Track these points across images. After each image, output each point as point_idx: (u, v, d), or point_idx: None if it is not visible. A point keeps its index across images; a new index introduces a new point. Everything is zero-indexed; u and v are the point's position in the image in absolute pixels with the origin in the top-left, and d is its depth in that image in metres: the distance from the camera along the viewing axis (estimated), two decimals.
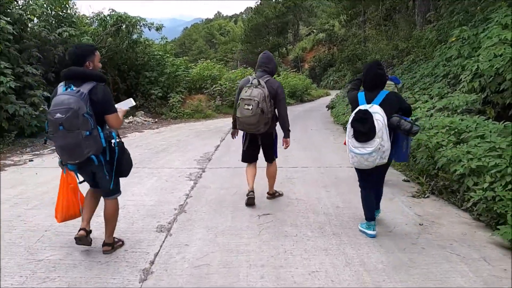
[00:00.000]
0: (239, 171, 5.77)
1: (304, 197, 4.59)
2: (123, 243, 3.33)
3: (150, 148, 7.97)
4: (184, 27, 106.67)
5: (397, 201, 4.36)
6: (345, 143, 3.42)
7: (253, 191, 4.33)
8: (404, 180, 5.16)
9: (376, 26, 36.53)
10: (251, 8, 73.53)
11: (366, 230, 3.48)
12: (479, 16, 8.65)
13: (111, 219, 3.15)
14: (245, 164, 4.59)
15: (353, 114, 3.20)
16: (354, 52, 40.15)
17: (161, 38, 16.62)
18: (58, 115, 2.65)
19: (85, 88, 2.77)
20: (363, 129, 3.07)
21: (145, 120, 13.18)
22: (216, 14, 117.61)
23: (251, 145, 4.43)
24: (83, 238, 3.03)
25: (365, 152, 3.09)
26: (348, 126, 3.24)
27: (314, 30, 56.48)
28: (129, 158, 3.17)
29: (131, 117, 13.43)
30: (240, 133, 4.50)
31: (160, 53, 15.70)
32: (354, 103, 3.39)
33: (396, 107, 3.26)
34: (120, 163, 3.04)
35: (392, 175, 5.43)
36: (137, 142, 8.79)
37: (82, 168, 2.99)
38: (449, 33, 10.17)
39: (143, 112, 14.00)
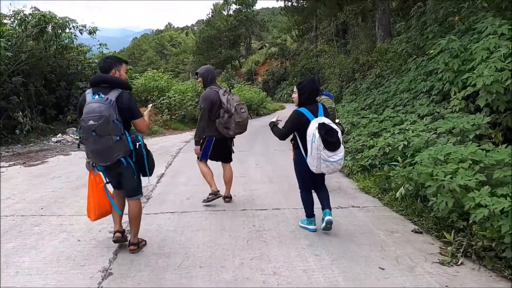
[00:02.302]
0: (189, 218, 4.14)
1: (285, 272, 3.04)
2: (145, 243, 3.54)
3: (71, 180, 6.08)
4: (133, 38, 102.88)
5: (422, 274, 2.95)
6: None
7: (219, 191, 4.73)
8: (415, 232, 3.81)
9: (328, 41, 36.68)
10: (203, 20, 72.39)
11: (307, 226, 3.87)
12: (460, 26, 7.77)
13: (136, 219, 3.36)
14: (195, 207, 4.63)
15: (316, 129, 3.40)
16: (307, 66, 40.21)
17: (100, 45, 14.56)
18: (91, 122, 2.90)
19: (112, 95, 3.00)
20: (333, 139, 3.41)
21: (76, 139, 11.07)
22: (167, 25, 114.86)
23: (220, 148, 4.69)
24: (120, 239, 3.41)
25: (338, 158, 3.48)
26: (317, 139, 3.38)
27: (267, 44, 56.35)
28: (152, 158, 3.42)
29: (59, 135, 11.26)
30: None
31: (97, 61, 13.63)
32: (303, 118, 3.58)
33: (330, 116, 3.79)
34: (146, 163, 3.27)
35: (395, 221, 4.09)
36: (56, 171, 6.81)
37: (111, 169, 3.22)
38: (422, 45, 9.35)
39: (75, 129, 11.84)
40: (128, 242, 3.39)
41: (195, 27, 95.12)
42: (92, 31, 11.86)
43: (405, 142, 5.20)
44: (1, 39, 9.14)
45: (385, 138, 5.74)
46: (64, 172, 6.63)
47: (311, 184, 3.85)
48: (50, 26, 10.80)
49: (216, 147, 4.62)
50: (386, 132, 6.18)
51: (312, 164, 3.50)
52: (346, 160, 6.16)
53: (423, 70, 8.06)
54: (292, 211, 4.46)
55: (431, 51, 8.18)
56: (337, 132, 3.45)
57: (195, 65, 55.46)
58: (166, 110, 14.96)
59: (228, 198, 4.81)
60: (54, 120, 12.42)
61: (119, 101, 3.01)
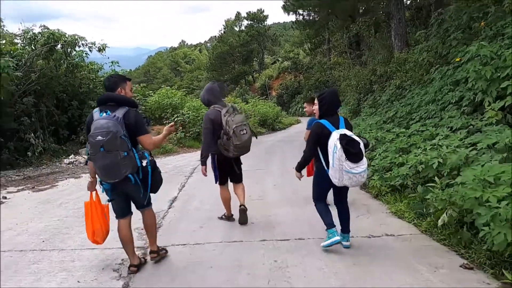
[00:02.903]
0: (202, 253, 3.68)
1: None
2: (167, 251, 3.71)
3: (78, 207, 5.70)
4: (148, 56, 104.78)
5: None
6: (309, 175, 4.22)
7: (233, 215, 4.77)
8: (464, 267, 3.26)
9: (341, 53, 36.30)
10: (215, 37, 73.10)
11: (331, 241, 3.61)
12: (487, 32, 7.25)
13: (151, 227, 3.49)
14: (209, 238, 4.21)
15: (337, 140, 3.34)
16: (321, 79, 39.87)
17: (112, 63, 14.46)
18: (99, 137, 2.93)
19: (120, 113, 3.09)
20: (355, 150, 3.32)
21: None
22: (180, 42, 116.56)
23: (227, 170, 4.60)
24: (137, 270, 3.35)
25: (361, 170, 3.37)
26: (338, 150, 3.32)
27: (279, 59, 56.37)
28: (159, 175, 3.44)
29: (72, 156, 11.03)
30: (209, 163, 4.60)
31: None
32: (324, 130, 3.50)
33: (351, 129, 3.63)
34: (152, 180, 3.30)
35: (439, 253, 3.54)
36: (64, 197, 6.47)
37: (117, 187, 3.22)
38: (444, 54, 8.82)
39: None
40: (149, 251, 3.49)
41: (208, 44, 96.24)
42: (102, 48, 11.69)
43: (440, 159, 4.66)
44: (11, 60, 8.96)
45: (416, 155, 5.21)
46: (72, 198, 6.27)
47: (334, 194, 3.85)
48: (59, 45, 10.65)
49: (221, 166, 4.53)
50: (416, 148, 5.65)
51: (334, 176, 3.43)
52: (374, 179, 5.64)
53: (449, 80, 7.51)
54: (317, 241, 3.95)
55: (456, 59, 7.68)
56: (359, 143, 3.39)
57: (209, 81, 55.68)
58: (181, 127, 14.68)
59: (243, 206, 4.59)
60: (67, 140, 12.24)
61: (126, 118, 3.09)
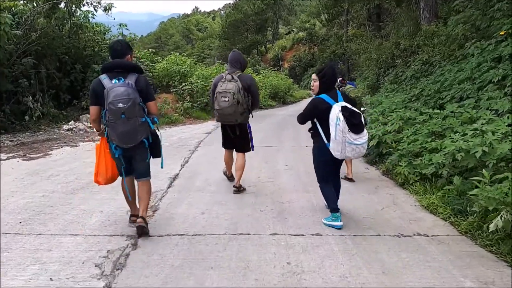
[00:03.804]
0: (202, 246, 3.10)
1: None
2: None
3: (68, 180, 5.15)
4: (161, 22, 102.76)
5: None
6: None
7: (232, 175, 4.97)
8: None
9: (360, 26, 34.69)
10: (230, 4, 70.95)
11: (333, 223, 3.58)
12: None
13: (146, 197, 3.43)
14: (211, 228, 3.69)
15: (339, 112, 3.35)
16: (337, 52, 38.42)
17: (120, 25, 13.67)
18: (121, 104, 2.99)
19: (131, 79, 3.12)
20: (357, 121, 3.37)
21: (90, 127, 10.26)
22: (193, 9, 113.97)
23: (227, 135, 4.74)
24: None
25: (363, 141, 3.42)
26: (341, 122, 3.32)
27: (294, 29, 54.57)
28: (160, 141, 3.49)
29: (72, 122, 10.47)
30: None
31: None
32: (324, 104, 3.50)
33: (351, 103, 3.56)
34: (156, 145, 3.41)
35: (486, 263, 2.90)
36: (55, 168, 5.91)
37: (128, 152, 3.27)
38: (485, 26, 7.89)
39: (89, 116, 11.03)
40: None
41: (222, 11, 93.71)
42: (108, 8, 10.87)
43: (485, 148, 3.96)
44: (9, 16, 8.25)
45: (453, 140, 4.51)
46: (63, 170, 5.72)
47: (331, 174, 3.79)
48: (62, 3, 9.87)
49: (223, 133, 4.79)
50: (451, 132, 4.94)
51: (336, 149, 3.44)
52: (400, 166, 4.96)
53: (490, 56, 6.67)
54: (338, 239, 3.35)
55: (501, 33, 6.80)
56: (360, 114, 3.45)
57: (220, 50, 54.46)
58: (188, 97, 13.98)
59: (235, 188, 4.67)
60: (69, 105, 11.65)
61: (137, 84, 3.14)
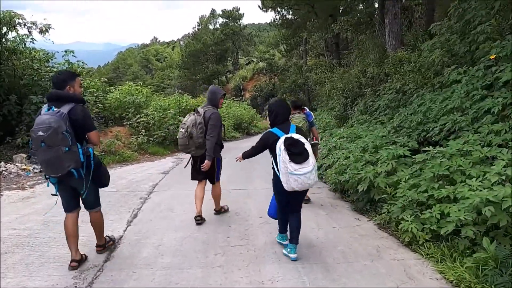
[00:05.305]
0: None
1: None
2: (114, 242, 3.92)
3: None
4: (119, 52, 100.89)
5: None
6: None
7: (200, 216, 4.73)
8: None
9: (318, 56, 35.11)
10: (189, 34, 70.61)
11: (281, 241, 3.98)
12: None
13: (98, 227, 3.65)
14: None
15: (282, 142, 3.39)
16: (297, 82, 38.57)
17: (66, 52, 12.26)
18: (40, 133, 3.03)
19: (65, 108, 3.14)
20: (298, 150, 3.36)
21: (24, 169, 8.63)
22: (152, 39, 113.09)
23: (193, 165, 4.83)
24: (77, 266, 3.43)
25: (307, 171, 3.32)
26: (282, 152, 3.35)
27: (254, 59, 54.89)
28: (105, 169, 3.64)
29: (1, 163, 8.81)
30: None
31: (59, 69, 11.29)
32: (273, 136, 3.58)
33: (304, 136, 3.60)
34: (98, 175, 3.46)
35: None
36: None
37: (63, 182, 3.32)
38: (465, 50, 7.36)
39: (24, 156, 9.40)
40: (95, 245, 3.66)
41: (181, 42, 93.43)
42: (45, 30, 9.49)
43: None
44: None
45: (471, 188, 3.60)
46: None
47: (291, 204, 3.75)
48: None
49: (192, 163, 4.88)
50: (462, 175, 4.05)
51: (283, 180, 3.42)
52: (406, 221, 3.97)
53: (479, 83, 6.04)
54: None
55: (491, 56, 6.21)
56: (303, 143, 3.41)
57: (180, 80, 53.54)
58: (143, 130, 12.65)
59: (215, 212, 5.14)
60: (1, 143, 9.96)
61: (71, 113, 3.15)
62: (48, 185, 3.36)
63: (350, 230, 4.47)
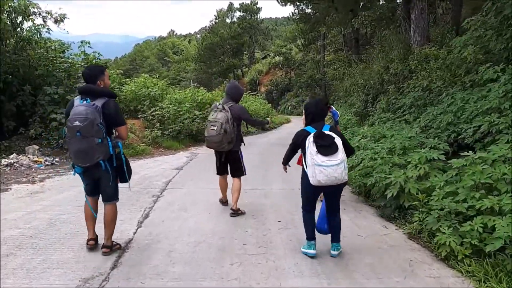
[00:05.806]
0: None
1: None
2: (120, 246, 3.70)
3: None
4: (136, 44, 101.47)
5: None
6: (299, 163, 4.06)
7: (227, 200, 5.24)
8: None
9: (337, 51, 34.42)
10: (206, 27, 70.47)
11: (307, 250, 3.62)
12: None
13: (110, 223, 3.55)
14: None
15: (311, 136, 3.40)
16: (314, 77, 37.98)
17: (81, 43, 12.09)
18: (77, 122, 3.14)
19: (99, 102, 3.27)
20: (326, 143, 3.33)
21: (36, 161, 8.48)
22: (169, 32, 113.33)
23: (220, 161, 5.02)
24: (94, 246, 3.60)
25: (333, 163, 3.25)
26: (310, 144, 3.34)
27: (271, 53, 54.32)
28: (129, 165, 3.66)
29: (13, 155, 8.68)
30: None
31: (75, 60, 11.12)
32: (305, 132, 3.53)
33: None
34: (123, 170, 3.54)
35: None
36: None
37: (89, 171, 3.41)
38: (501, 48, 6.84)
39: (37, 148, 9.27)
40: (102, 245, 3.53)
41: (198, 35, 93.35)
42: (60, 20, 9.30)
43: None
44: None
45: None
46: None
47: (314, 202, 3.69)
48: (4, 12, 8.26)
49: (216, 158, 5.06)
50: (508, 184, 3.63)
51: (310, 174, 3.36)
52: (443, 233, 3.57)
53: None
54: None
55: None
56: (332, 137, 3.38)
57: (196, 73, 53.45)
58: (158, 123, 12.42)
59: (232, 211, 4.88)
60: (14, 134, 9.84)
61: (105, 107, 3.27)
62: (74, 174, 3.46)
63: (377, 240, 4.10)
